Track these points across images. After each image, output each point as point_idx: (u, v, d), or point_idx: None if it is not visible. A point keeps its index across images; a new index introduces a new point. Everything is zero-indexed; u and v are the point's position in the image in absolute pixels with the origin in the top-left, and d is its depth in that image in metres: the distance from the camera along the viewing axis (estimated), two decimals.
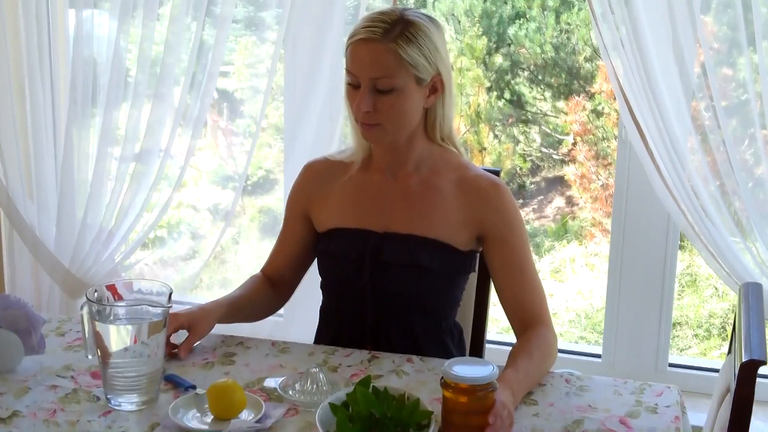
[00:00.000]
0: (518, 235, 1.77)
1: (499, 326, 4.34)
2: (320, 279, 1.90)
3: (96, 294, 1.52)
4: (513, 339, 1.77)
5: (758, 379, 1.42)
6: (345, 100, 1.76)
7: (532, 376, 1.61)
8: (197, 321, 1.72)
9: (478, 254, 1.85)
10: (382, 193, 1.80)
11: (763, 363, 1.39)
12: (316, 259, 1.89)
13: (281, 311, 2.96)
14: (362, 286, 1.78)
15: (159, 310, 1.51)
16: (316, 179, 1.87)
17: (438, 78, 1.72)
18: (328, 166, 1.87)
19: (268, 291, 1.91)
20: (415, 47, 1.66)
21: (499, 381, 1.40)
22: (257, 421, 1.44)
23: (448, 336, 1.85)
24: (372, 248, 1.76)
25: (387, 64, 1.65)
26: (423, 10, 1.76)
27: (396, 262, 1.76)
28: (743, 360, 1.40)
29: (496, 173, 1.93)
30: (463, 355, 1.91)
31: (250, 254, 3.94)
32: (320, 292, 1.91)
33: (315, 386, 1.53)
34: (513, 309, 1.77)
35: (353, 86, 1.70)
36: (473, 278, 1.98)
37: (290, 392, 1.54)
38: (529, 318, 1.74)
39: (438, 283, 1.79)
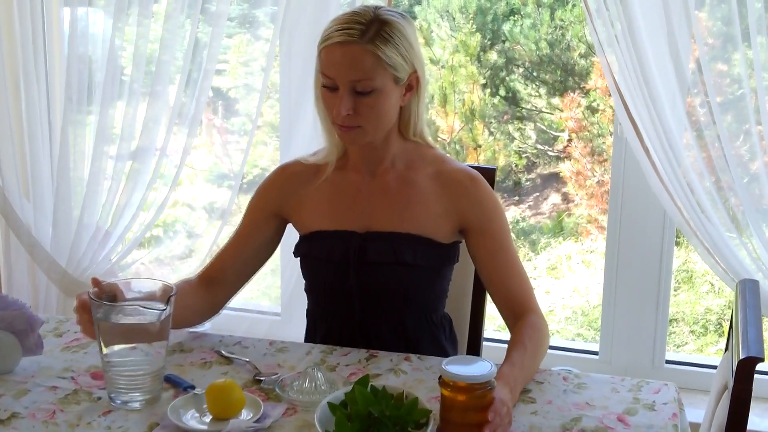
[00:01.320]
0: (499, 225, 1.77)
1: (495, 324, 4.34)
2: (305, 284, 1.89)
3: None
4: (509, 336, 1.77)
5: (756, 376, 1.42)
6: (317, 102, 1.75)
7: (527, 368, 1.62)
8: (117, 291, 1.55)
9: (460, 244, 1.85)
10: (360, 192, 1.80)
11: (761, 360, 1.40)
12: (299, 263, 1.87)
13: (278, 310, 2.98)
14: (349, 288, 1.77)
15: (163, 308, 1.51)
16: (291, 182, 1.85)
17: (414, 75, 1.71)
18: (303, 169, 1.84)
19: (200, 296, 1.82)
20: (392, 47, 1.65)
21: (496, 378, 1.40)
22: (256, 421, 1.44)
23: (440, 329, 1.86)
24: (355, 249, 1.76)
25: (366, 66, 1.64)
26: (394, 7, 1.76)
27: (380, 261, 1.76)
28: (741, 357, 1.40)
29: (492, 171, 1.93)
30: (455, 346, 1.92)
31: None
32: None
33: (313, 385, 1.54)
34: (501, 299, 1.77)
35: (329, 89, 1.68)
36: (469, 277, 1.98)
37: (288, 392, 1.54)
38: (519, 307, 1.74)
39: (424, 278, 1.80)
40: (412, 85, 1.72)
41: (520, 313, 1.73)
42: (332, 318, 1.84)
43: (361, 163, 1.80)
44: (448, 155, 1.84)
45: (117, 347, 1.50)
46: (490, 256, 1.77)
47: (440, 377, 1.38)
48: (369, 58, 1.64)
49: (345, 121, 1.68)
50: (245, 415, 1.46)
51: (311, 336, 1.90)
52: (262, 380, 1.60)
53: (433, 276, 1.81)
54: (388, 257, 1.75)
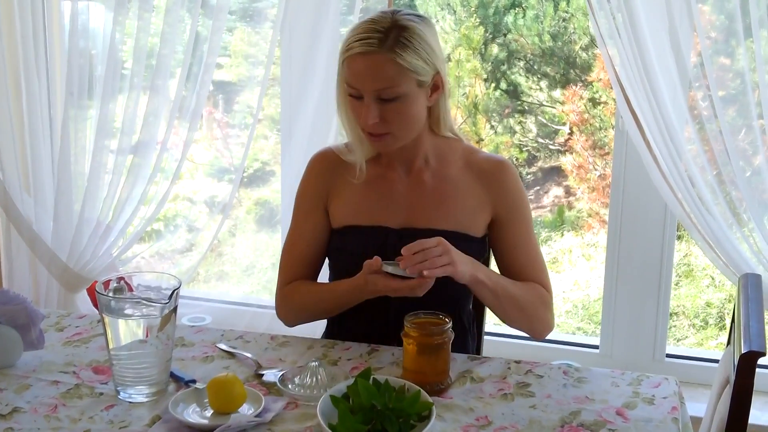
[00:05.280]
0: (523, 215, 1.82)
1: (496, 318, 4.32)
2: (330, 276, 1.88)
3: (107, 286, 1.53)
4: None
5: (757, 370, 1.42)
6: (340, 110, 1.75)
7: (501, 286, 1.72)
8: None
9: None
10: (395, 189, 1.80)
11: (763, 354, 1.40)
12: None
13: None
14: None
15: (168, 302, 1.51)
16: (332, 171, 1.84)
17: (438, 77, 1.71)
18: (339, 159, 1.84)
19: None
20: (412, 52, 1.64)
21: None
22: (257, 415, 1.44)
23: (467, 325, 1.87)
24: (392, 245, 1.74)
25: (389, 75, 1.63)
26: (413, 10, 1.75)
27: None
28: (743, 351, 1.40)
29: None
30: (480, 341, 1.97)
31: (247, 246, 3.93)
32: None
33: (314, 380, 1.54)
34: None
35: (355, 97, 1.68)
36: None
37: (290, 386, 1.54)
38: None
39: None
40: (438, 85, 1.72)
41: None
42: (363, 314, 1.79)
43: (395, 161, 1.81)
44: (477, 147, 1.85)
45: (124, 340, 1.50)
46: (509, 247, 1.81)
47: (403, 330, 1.54)
48: (390, 67, 1.63)
49: (374, 129, 1.68)
50: (246, 409, 1.46)
51: (334, 330, 1.87)
52: (263, 374, 1.60)
53: None
54: None
